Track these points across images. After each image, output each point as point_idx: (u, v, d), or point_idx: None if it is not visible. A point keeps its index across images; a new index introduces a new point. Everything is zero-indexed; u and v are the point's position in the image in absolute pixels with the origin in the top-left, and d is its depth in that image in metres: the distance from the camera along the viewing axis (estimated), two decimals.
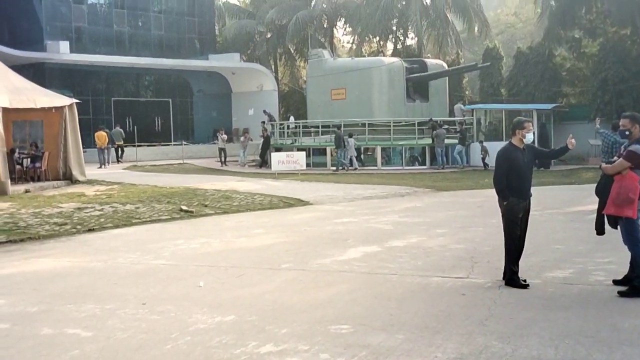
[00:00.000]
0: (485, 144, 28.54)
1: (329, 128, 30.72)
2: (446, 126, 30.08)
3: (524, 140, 8.23)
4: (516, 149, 8.24)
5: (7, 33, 36.55)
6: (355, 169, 28.29)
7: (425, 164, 29.47)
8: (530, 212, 8.39)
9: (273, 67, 49.12)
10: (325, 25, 48.52)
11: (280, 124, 34.80)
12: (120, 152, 33.87)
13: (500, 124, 30.23)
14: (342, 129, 29.23)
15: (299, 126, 32.85)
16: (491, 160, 24.38)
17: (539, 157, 8.63)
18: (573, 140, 8.40)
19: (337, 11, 47.34)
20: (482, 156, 28.00)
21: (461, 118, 31.52)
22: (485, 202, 15.98)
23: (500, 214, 8.34)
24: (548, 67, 34.70)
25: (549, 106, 30.84)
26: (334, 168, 28.17)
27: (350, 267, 9.42)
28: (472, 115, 31.12)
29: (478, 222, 13.37)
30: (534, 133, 8.95)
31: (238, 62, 43.73)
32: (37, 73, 32.96)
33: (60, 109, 21.39)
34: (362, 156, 29.98)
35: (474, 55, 47.65)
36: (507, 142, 8.49)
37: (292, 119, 36.13)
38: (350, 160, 28.52)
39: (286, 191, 19.41)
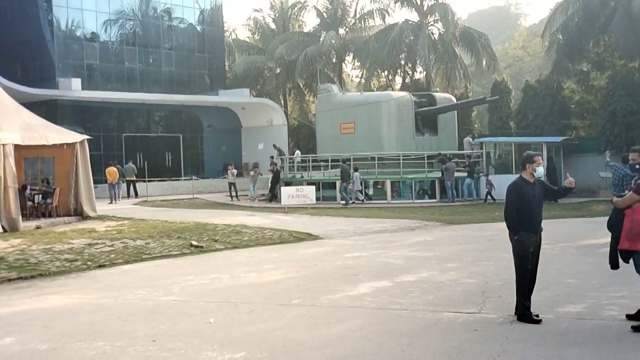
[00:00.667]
0: (494, 177, 28.48)
1: (338, 162, 30.77)
2: (456, 159, 30.08)
3: (534, 174, 8.25)
4: (527, 183, 8.24)
5: (20, 71, 37.06)
6: (362, 202, 28.30)
7: (435, 198, 29.40)
8: (542, 246, 8.35)
9: (282, 101, 49.44)
10: (334, 60, 48.90)
11: (290, 158, 34.91)
12: (133, 188, 34.08)
13: (510, 157, 30.20)
14: (351, 162, 29.29)
15: (309, 160, 32.93)
16: (500, 194, 24.31)
17: (547, 194, 8.61)
18: (571, 179, 8.43)
19: (345, 46, 47.76)
20: (487, 189, 27.95)
21: (470, 151, 31.52)
22: (496, 235, 15.90)
23: (512, 248, 8.30)
24: (557, 100, 34.77)
25: (559, 139, 30.84)
26: (344, 202, 28.15)
27: (361, 303, 9.38)
28: (482, 149, 31.13)
29: (489, 256, 13.30)
30: (543, 167, 8.94)
31: (248, 97, 44.04)
32: (49, 110, 33.32)
33: (71, 145, 21.56)
34: (368, 190, 30.00)
35: (483, 89, 47.88)
36: (517, 175, 8.50)
37: (298, 153, 36.23)
38: (357, 193, 28.57)
39: (296, 225, 19.40)
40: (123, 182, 33.11)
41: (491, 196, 27.45)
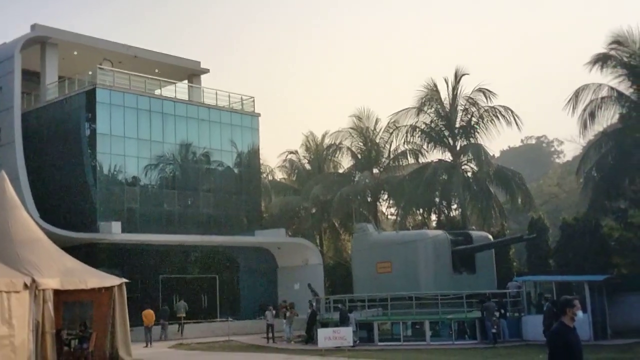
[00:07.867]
0: (536, 316, 27.73)
1: (375, 302, 30.39)
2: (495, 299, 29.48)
3: (575, 318, 8.07)
4: (568, 329, 8.05)
5: (62, 216, 37.89)
6: (356, 343, 27.80)
7: (476, 338, 28.62)
8: None
9: (318, 241, 49.65)
10: (369, 200, 49.31)
11: (326, 299, 34.54)
12: (181, 327, 34.84)
13: (551, 296, 29.46)
14: (388, 302, 29.00)
15: (345, 300, 32.56)
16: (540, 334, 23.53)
17: None
18: None
19: (380, 186, 48.25)
20: (494, 331, 27.08)
21: (506, 290, 30.81)
22: None
23: None
24: (596, 237, 34.27)
25: (600, 277, 30.11)
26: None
27: None
28: (521, 288, 30.50)
29: None
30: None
31: (284, 237, 44.36)
32: (89, 253, 33.68)
33: (109, 289, 21.66)
34: (406, 330, 29.52)
35: (520, 226, 47.64)
36: (557, 322, 8.29)
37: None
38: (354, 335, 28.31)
39: None
40: (165, 322, 33.64)
41: (494, 336, 26.58)
